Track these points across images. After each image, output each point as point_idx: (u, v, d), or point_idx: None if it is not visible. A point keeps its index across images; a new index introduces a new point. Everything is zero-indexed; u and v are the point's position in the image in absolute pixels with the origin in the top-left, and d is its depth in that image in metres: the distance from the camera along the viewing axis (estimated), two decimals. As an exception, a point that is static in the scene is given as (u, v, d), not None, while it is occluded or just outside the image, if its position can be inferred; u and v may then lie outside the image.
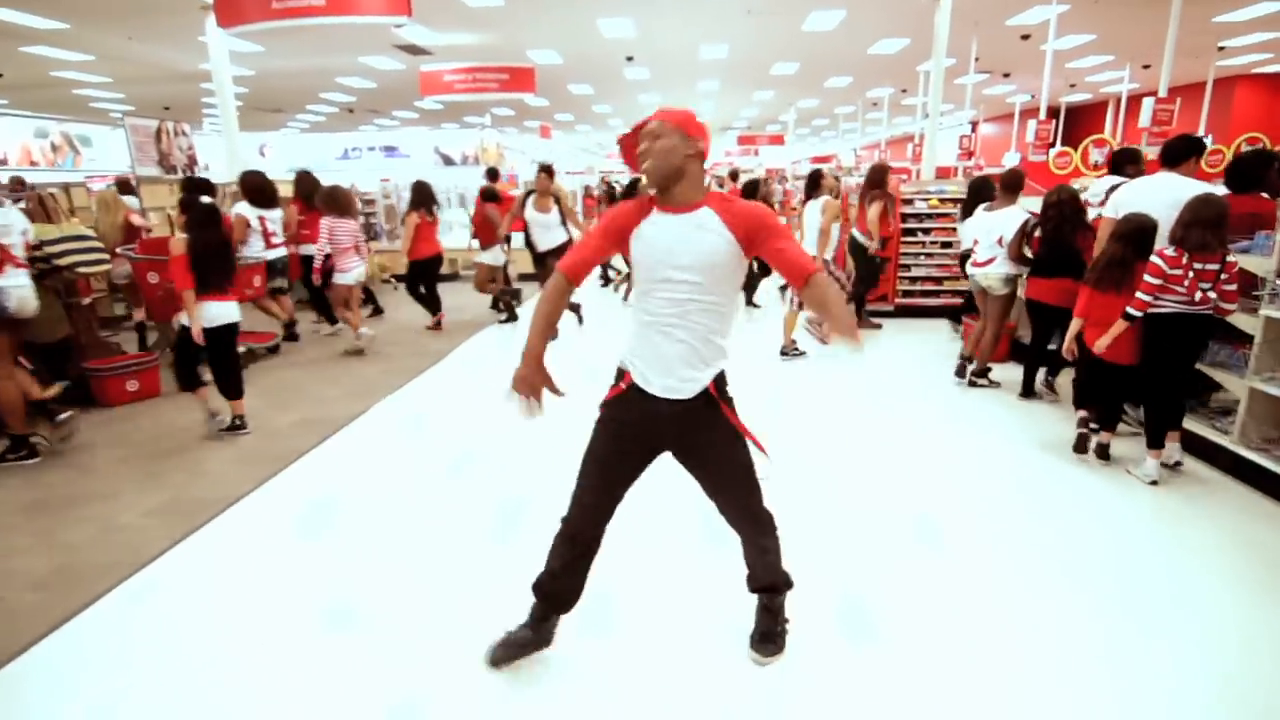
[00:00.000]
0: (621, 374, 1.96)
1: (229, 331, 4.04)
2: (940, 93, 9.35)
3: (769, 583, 2.16)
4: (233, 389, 4.15)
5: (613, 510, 2.00)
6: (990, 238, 4.73)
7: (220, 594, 2.61)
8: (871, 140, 27.03)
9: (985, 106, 23.05)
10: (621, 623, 2.37)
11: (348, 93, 17.60)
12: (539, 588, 2.07)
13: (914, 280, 7.08)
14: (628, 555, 2.62)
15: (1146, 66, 15.48)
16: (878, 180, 6.22)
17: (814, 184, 5.74)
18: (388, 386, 5.19)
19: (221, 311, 3.97)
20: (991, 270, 4.73)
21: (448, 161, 14.21)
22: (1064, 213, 4.20)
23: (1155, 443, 3.45)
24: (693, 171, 1.82)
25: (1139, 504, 3.27)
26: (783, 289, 7.25)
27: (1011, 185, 4.72)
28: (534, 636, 2.11)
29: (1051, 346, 4.50)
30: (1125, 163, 4.58)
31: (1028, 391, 4.70)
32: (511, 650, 2.09)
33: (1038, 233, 4.38)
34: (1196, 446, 3.71)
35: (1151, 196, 3.65)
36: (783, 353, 5.80)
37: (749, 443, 1.98)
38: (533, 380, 1.88)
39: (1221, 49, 13.60)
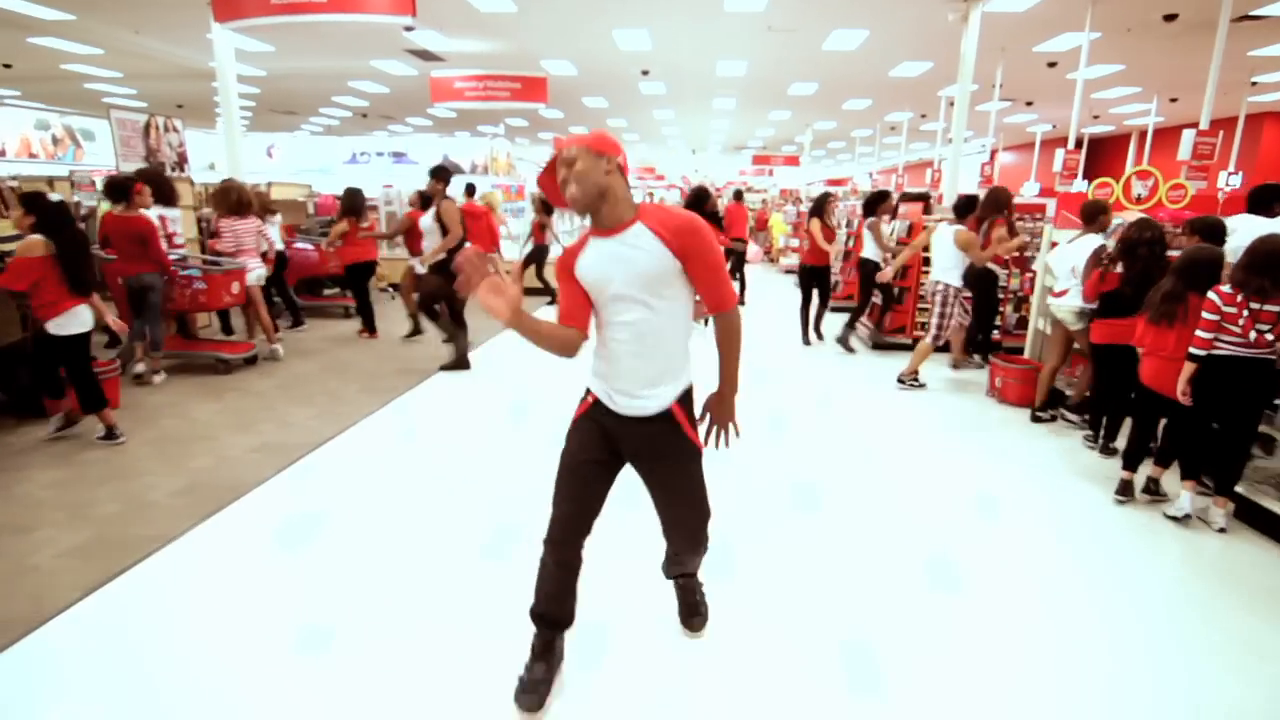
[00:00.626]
0: (587, 392, 2.01)
1: (87, 338, 3.89)
2: (965, 118, 9.03)
3: (688, 572, 2.35)
4: (94, 400, 3.90)
5: (591, 521, 2.01)
6: (1064, 266, 4.47)
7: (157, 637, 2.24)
8: (888, 165, 26.73)
9: (1005, 135, 22.74)
10: (618, 652, 2.33)
11: (361, 97, 17.44)
12: (538, 616, 2.08)
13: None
14: (619, 582, 2.65)
15: (1174, 100, 15.15)
16: (1001, 203, 5.65)
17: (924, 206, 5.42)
18: (363, 407, 4.83)
19: (86, 317, 3.84)
20: (1065, 302, 4.47)
21: (457, 170, 13.99)
22: (1155, 252, 3.79)
23: (1189, 473, 3.32)
24: (615, 188, 1.80)
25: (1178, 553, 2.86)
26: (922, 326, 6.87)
27: (1090, 214, 4.42)
28: (550, 664, 2.12)
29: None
30: (1273, 200, 4.18)
31: (1107, 447, 4.27)
32: (542, 689, 2.07)
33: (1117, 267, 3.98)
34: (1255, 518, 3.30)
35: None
36: (900, 380, 5.60)
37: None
38: (494, 283, 1.71)
39: (1254, 84, 13.23)
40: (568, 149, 1.78)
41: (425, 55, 12.10)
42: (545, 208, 8.72)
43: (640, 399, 1.89)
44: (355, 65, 13.54)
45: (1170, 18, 8.87)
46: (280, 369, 5.72)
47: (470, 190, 8.84)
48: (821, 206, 7.03)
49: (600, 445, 1.97)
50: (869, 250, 6.86)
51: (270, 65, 13.64)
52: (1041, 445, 4.41)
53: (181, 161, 6.75)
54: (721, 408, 1.97)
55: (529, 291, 8.27)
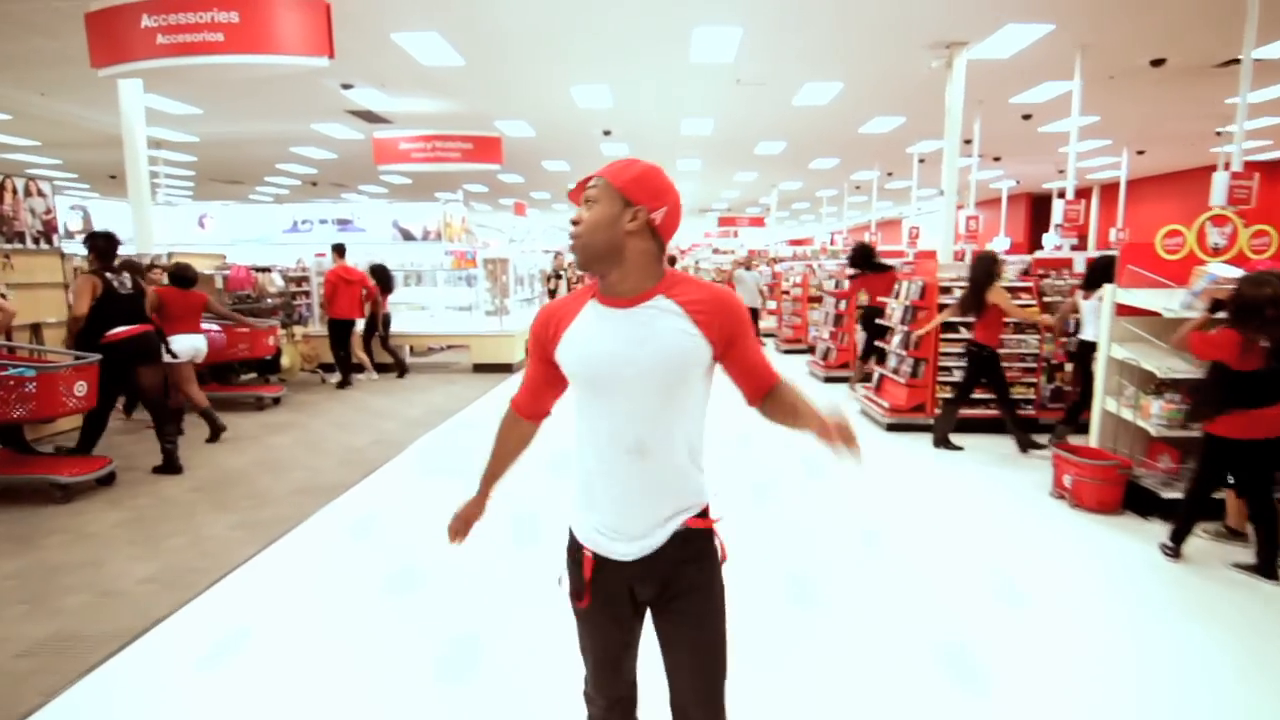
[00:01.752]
0: (576, 548, 1.46)
1: None
2: (955, 172, 8.37)
3: None
4: None
5: (635, 675, 1.57)
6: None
7: None
8: (852, 224, 26.66)
9: (968, 192, 22.74)
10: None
11: (307, 164, 16.53)
12: None
13: (955, 387, 5.70)
14: None
15: (1141, 152, 15.06)
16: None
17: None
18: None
19: None
20: None
21: (407, 236, 12.99)
22: None
23: None
24: (638, 250, 1.32)
25: None
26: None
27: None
28: None
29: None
30: None
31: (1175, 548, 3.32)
32: None
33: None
34: None
35: None
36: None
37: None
38: (465, 514, 1.72)
39: (1218, 134, 13.11)
40: (596, 178, 1.36)
41: (369, 116, 11.24)
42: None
43: (651, 535, 1.39)
44: (295, 129, 12.63)
45: (1158, 63, 8.46)
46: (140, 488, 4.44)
47: (340, 251, 8.12)
48: (992, 269, 5.19)
49: (616, 608, 1.47)
50: (1090, 330, 5.19)
51: (202, 130, 12.67)
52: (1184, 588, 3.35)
53: (50, 230, 5.56)
54: (836, 434, 1.31)
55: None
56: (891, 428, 5.88)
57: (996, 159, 16.16)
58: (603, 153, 14.65)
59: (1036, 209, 23.66)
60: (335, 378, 8.10)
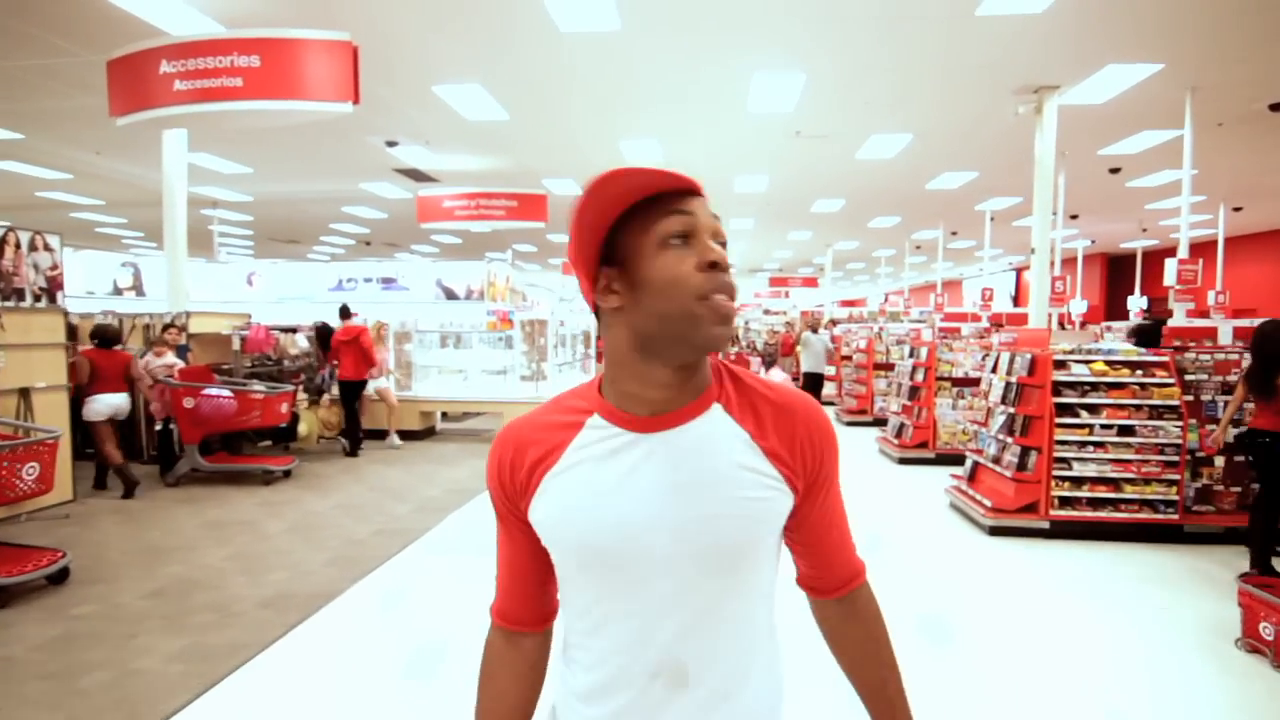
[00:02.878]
0: None
1: None
2: (1048, 229, 7.48)
3: None
4: None
5: None
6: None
7: None
8: (910, 284, 25.55)
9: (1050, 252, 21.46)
10: None
11: (360, 224, 16.65)
12: None
13: (1078, 484, 4.67)
14: None
15: (1238, 209, 13.78)
16: None
17: None
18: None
19: None
20: None
21: (450, 296, 12.63)
22: None
23: None
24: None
25: None
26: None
27: None
28: None
29: None
30: None
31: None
32: None
33: None
34: None
35: None
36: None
37: None
38: None
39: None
40: (699, 194, 0.81)
41: (416, 175, 11.06)
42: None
43: None
44: (345, 189, 12.62)
45: (1277, 107, 7.47)
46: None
47: (345, 313, 7.77)
48: None
49: None
50: None
51: (254, 189, 12.79)
52: None
53: (55, 287, 5.16)
54: None
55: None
56: (995, 531, 4.83)
57: (1074, 217, 15.07)
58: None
59: (1113, 270, 22.21)
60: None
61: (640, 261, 0.78)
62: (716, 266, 0.77)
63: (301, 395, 7.55)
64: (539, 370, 8.62)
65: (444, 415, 9.92)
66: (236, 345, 6.71)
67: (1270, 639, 3.02)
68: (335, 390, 7.78)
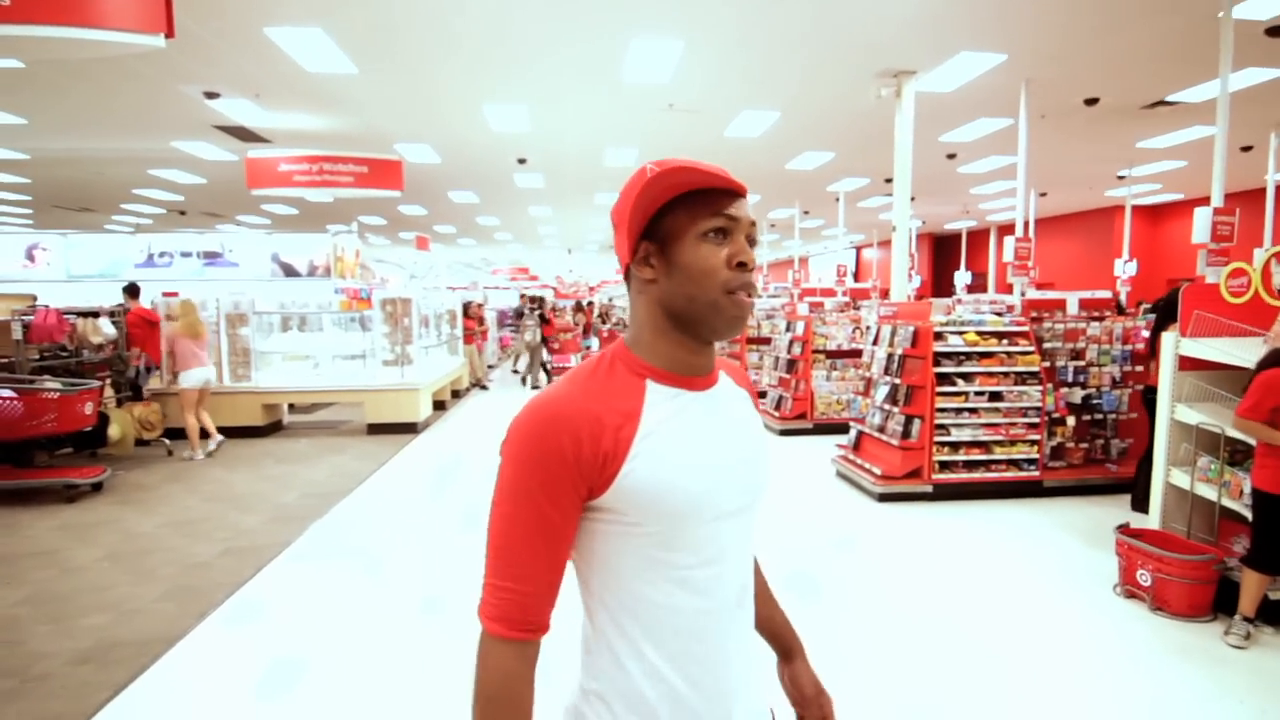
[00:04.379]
0: None
1: None
2: (908, 208, 7.90)
3: None
4: None
5: None
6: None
7: None
8: (764, 261, 26.73)
9: (875, 231, 23.23)
10: None
11: (171, 189, 14.42)
12: None
13: (955, 448, 4.93)
14: None
15: (1044, 194, 15.58)
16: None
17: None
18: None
19: None
20: None
21: (290, 272, 11.29)
22: None
23: None
24: None
25: None
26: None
27: None
28: None
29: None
30: None
31: None
32: None
33: None
34: None
35: None
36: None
37: None
38: None
39: (1121, 178, 13.64)
40: (745, 195, 0.94)
41: (243, 134, 9.65)
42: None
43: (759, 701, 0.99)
44: (152, 148, 10.79)
45: (1091, 102, 8.38)
46: None
47: (134, 292, 7.07)
48: None
49: None
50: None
51: (31, 145, 10.60)
52: None
53: None
54: (819, 693, 1.12)
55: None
56: (884, 498, 5.01)
57: (913, 198, 16.31)
58: (516, 184, 13.56)
59: (939, 249, 24.52)
60: (187, 451, 6.46)
61: (681, 246, 0.88)
62: (744, 266, 0.88)
63: (111, 393, 6.34)
64: (404, 354, 7.86)
65: (291, 407, 8.85)
66: (18, 334, 5.40)
67: (1147, 585, 3.28)
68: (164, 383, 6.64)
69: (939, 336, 4.87)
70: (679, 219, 0.88)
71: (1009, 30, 6.31)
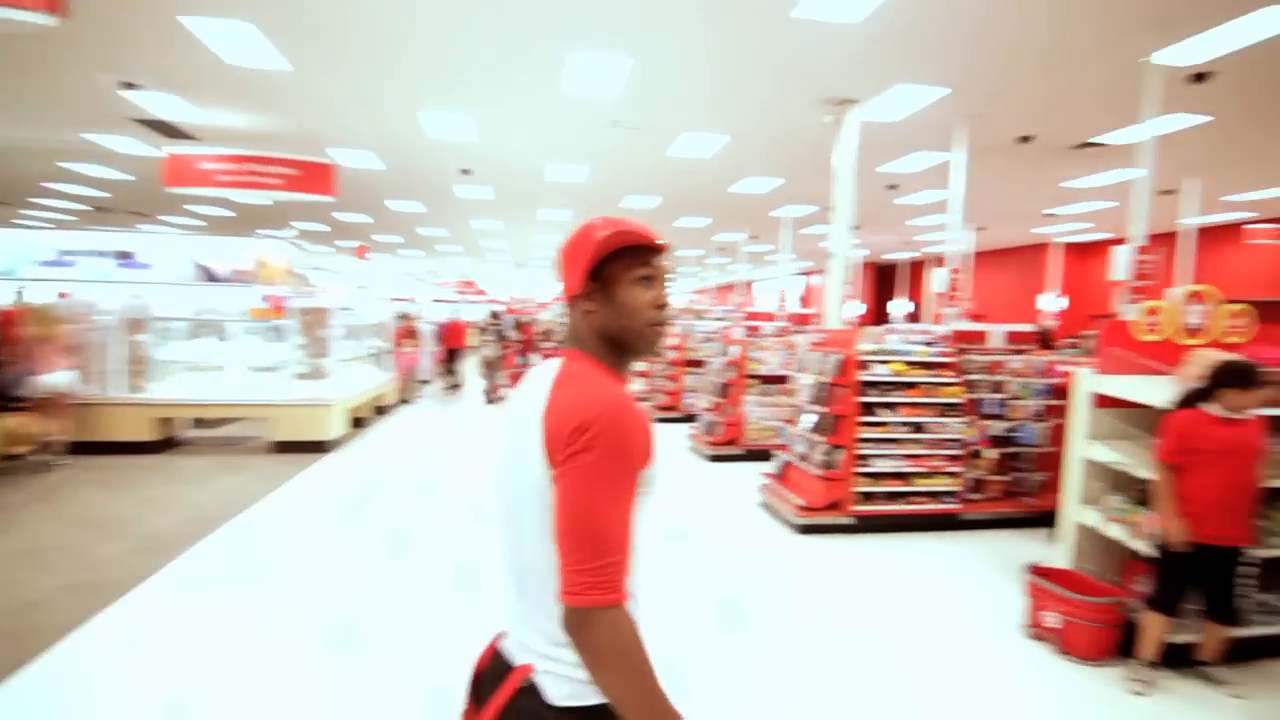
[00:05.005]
0: None
1: None
2: (848, 235, 7.90)
3: None
4: None
5: None
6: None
7: None
8: (710, 284, 26.88)
9: (819, 258, 23.62)
10: None
11: (88, 184, 13.61)
12: None
13: (876, 479, 4.83)
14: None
15: (983, 228, 16.04)
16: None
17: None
18: None
19: None
20: None
21: (211, 277, 10.69)
22: None
23: None
24: None
25: None
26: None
27: None
28: None
29: None
30: None
31: None
32: None
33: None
34: None
35: None
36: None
37: None
38: None
39: (1048, 215, 14.09)
40: (666, 251, 1.29)
41: (166, 129, 9.13)
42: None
43: None
44: (62, 140, 10.13)
45: (1026, 139, 8.59)
46: None
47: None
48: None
49: None
50: None
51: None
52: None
53: None
54: None
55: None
56: (806, 529, 4.86)
57: (857, 227, 16.61)
58: (456, 195, 13.24)
59: (883, 279, 25.08)
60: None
61: (618, 287, 1.20)
62: (663, 308, 1.24)
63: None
64: (319, 368, 7.43)
65: (199, 423, 8.28)
66: None
67: (1057, 628, 3.19)
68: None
69: (865, 365, 4.79)
70: (619, 267, 1.19)
71: (956, 65, 6.38)
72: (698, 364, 9.52)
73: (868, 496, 4.82)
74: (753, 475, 6.17)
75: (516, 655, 1.13)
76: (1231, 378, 2.78)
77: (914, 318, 20.98)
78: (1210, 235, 13.21)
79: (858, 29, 5.57)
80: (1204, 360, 2.94)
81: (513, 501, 1.13)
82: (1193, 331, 3.38)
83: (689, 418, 9.56)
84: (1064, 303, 13.37)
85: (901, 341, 5.59)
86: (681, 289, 32.46)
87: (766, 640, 3.27)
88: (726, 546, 4.62)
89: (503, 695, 1.10)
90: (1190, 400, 2.88)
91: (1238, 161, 9.45)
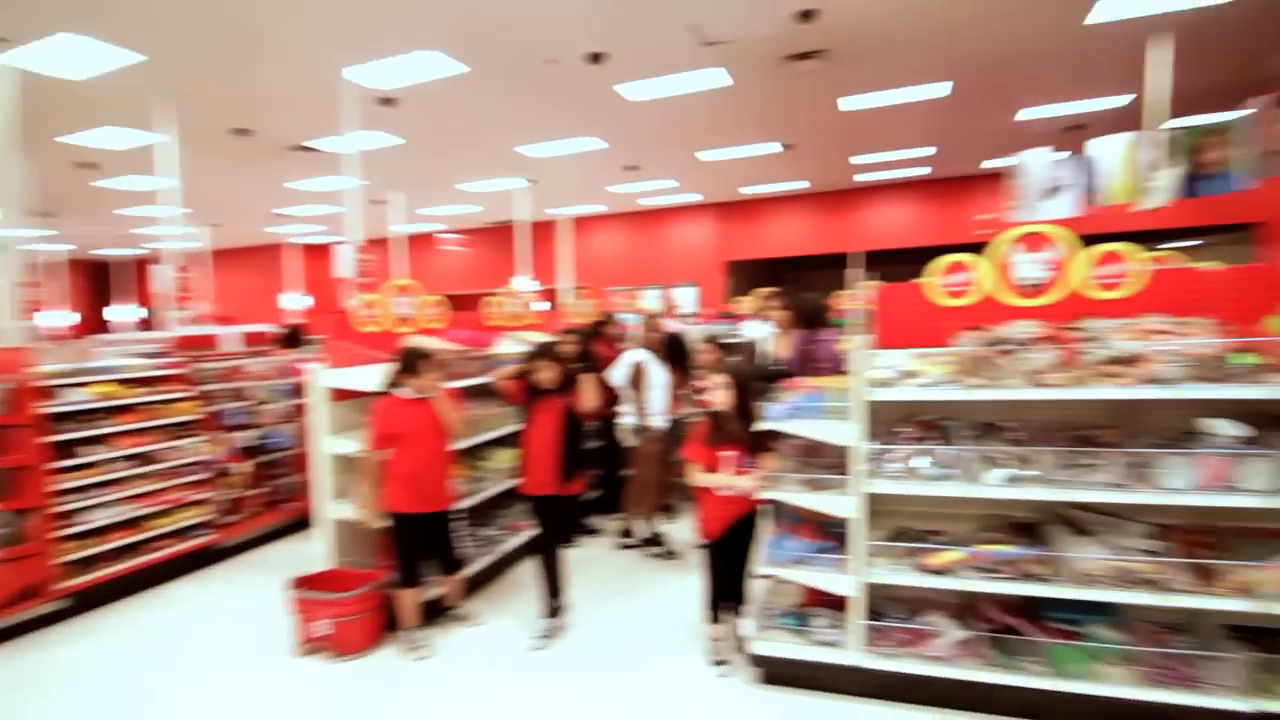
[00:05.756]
0: None
1: None
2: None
3: None
4: None
5: None
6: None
7: None
8: None
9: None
10: None
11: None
12: None
13: (91, 538, 3.70)
14: None
15: (217, 225, 14.89)
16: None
17: None
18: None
19: None
20: None
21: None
22: None
23: None
24: None
25: None
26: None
27: None
28: None
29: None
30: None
31: None
32: None
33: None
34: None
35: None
36: None
37: None
38: None
39: (279, 215, 14.18)
40: None
41: None
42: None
43: None
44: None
45: (243, 131, 8.22)
46: None
47: None
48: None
49: None
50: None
51: None
52: None
53: None
54: None
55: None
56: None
57: (50, 214, 12.99)
58: None
59: (98, 280, 20.73)
60: None
61: None
62: None
63: None
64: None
65: None
66: None
67: (329, 634, 3.08)
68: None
69: (51, 393, 3.57)
70: None
71: (146, 29, 5.35)
72: None
73: (86, 564, 3.66)
74: None
75: None
76: (408, 362, 3.13)
77: (148, 325, 18.09)
78: (416, 241, 15.94)
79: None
80: (409, 344, 3.30)
81: None
82: (404, 320, 3.79)
83: None
84: (309, 301, 13.84)
85: (116, 355, 4.48)
86: None
87: None
88: None
89: None
90: (389, 386, 3.15)
91: (426, 181, 11.54)
